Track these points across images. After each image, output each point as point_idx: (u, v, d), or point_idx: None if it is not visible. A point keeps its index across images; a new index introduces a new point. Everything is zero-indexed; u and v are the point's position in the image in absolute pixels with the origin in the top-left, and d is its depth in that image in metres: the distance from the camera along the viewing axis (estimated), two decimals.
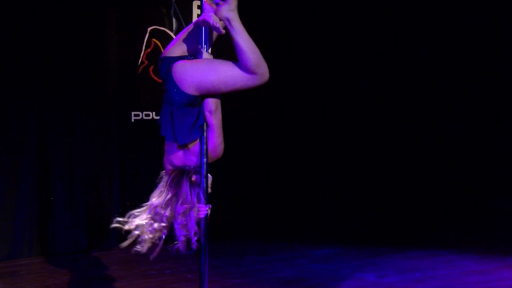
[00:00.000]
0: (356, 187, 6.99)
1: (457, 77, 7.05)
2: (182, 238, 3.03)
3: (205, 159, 3.01)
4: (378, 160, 7.07)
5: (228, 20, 2.85)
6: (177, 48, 3.07)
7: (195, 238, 3.02)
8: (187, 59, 3.01)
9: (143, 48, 6.01)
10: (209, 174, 3.11)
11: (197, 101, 2.97)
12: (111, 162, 5.77)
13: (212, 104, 2.98)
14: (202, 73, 2.90)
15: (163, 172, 3.22)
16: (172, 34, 6.09)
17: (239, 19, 2.86)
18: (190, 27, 3.11)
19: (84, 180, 5.59)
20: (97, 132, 5.69)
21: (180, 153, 3.11)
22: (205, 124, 3.00)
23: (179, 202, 3.06)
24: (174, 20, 6.15)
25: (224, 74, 2.88)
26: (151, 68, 6.03)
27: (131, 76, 5.96)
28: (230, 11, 2.85)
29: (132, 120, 5.97)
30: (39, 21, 5.33)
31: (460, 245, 5.75)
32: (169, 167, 3.18)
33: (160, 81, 5.97)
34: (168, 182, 3.14)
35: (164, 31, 6.09)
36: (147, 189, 6.27)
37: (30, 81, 5.31)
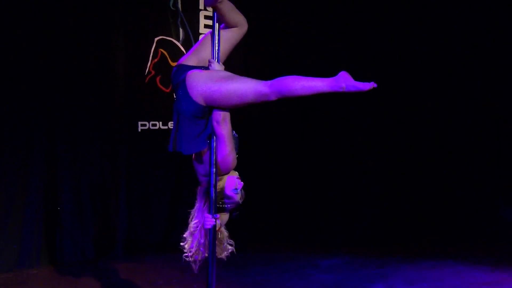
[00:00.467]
0: (363, 196, 6.97)
1: (469, 84, 6.98)
2: (191, 252, 3.04)
3: (214, 169, 3.00)
4: (386, 169, 7.04)
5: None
6: (193, 57, 3.09)
7: (197, 256, 3.03)
8: (203, 69, 3.04)
9: (150, 58, 6.03)
10: (236, 173, 3.11)
11: (205, 112, 2.98)
12: (118, 172, 5.77)
13: (220, 114, 2.99)
14: (215, 83, 2.91)
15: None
16: (179, 44, 6.12)
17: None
18: (206, 36, 3.13)
19: (91, 190, 5.59)
20: (104, 142, 5.70)
21: (198, 162, 3.14)
22: (213, 134, 3.01)
23: (194, 215, 3.08)
24: (181, 30, 6.17)
25: (235, 88, 2.88)
26: (158, 78, 6.04)
27: (138, 86, 5.97)
28: None
29: (139, 130, 5.98)
30: (46, 31, 5.35)
31: (470, 255, 5.71)
32: (199, 177, 3.20)
33: (168, 90, 6.02)
34: (197, 195, 3.18)
35: (171, 41, 6.11)
36: (154, 198, 6.32)
37: (38, 91, 5.32)
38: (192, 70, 3.01)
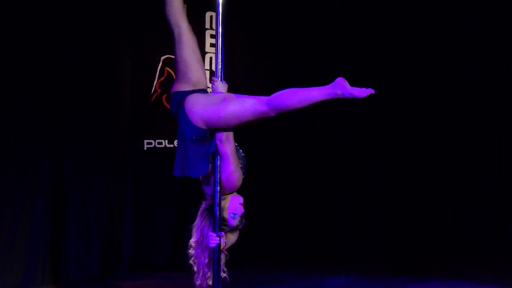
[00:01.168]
0: (370, 215, 6.91)
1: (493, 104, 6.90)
2: (197, 275, 3.01)
3: (218, 187, 2.99)
4: (394, 188, 6.98)
5: None
6: (185, 84, 3.08)
7: (200, 276, 3.00)
8: (201, 92, 3.03)
9: (156, 76, 6.06)
10: (240, 198, 3.10)
11: (207, 135, 2.98)
12: (123, 190, 5.77)
13: (223, 133, 2.99)
14: (213, 108, 2.91)
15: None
16: None
17: None
18: (179, 55, 3.09)
19: (97, 208, 5.58)
20: (110, 160, 5.70)
21: (205, 184, 3.13)
22: (216, 152, 3.01)
23: (195, 233, 3.06)
24: None
25: (233, 111, 2.88)
26: (164, 97, 6.07)
27: (144, 104, 5.99)
28: None
29: (145, 148, 5.99)
30: (53, 50, 5.39)
31: (477, 275, 5.63)
32: (207, 198, 3.18)
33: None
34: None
35: None
36: (160, 216, 6.29)
37: (46, 110, 5.34)
38: (191, 95, 3.01)
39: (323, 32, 6.84)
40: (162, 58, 6.08)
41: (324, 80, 6.89)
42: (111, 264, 5.64)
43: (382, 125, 7.00)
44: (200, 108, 2.93)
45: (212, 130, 2.97)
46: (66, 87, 5.47)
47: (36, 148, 5.29)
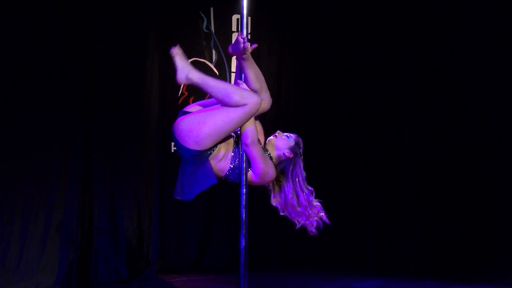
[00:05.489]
0: (399, 218, 6.82)
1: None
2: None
3: (244, 190, 2.99)
4: (423, 191, 6.87)
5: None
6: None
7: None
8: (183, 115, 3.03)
9: None
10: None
11: (203, 152, 2.98)
12: (151, 192, 5.81)
13: (247, 136, 2.97)
14: (197, 128, 2.90)
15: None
16: (212, 66, 6.17)
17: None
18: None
19: (125, 210, 5.63)
20: (138, 163, 5.75)
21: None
22: (242, 154, 3.00)
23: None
24: (214, 52, 6.24)
25: (219, 122, 2.88)
26: (191, 99, 6.10)
27: (172, 107, 6.03)
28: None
29: (172, 151, 6.03)
30: (83, 54, 5.46)
31: (508, 280, 5.53)
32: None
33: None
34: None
35: (204, 63, 6.17)
36: (187, 219, 6.30)
37: (75, 113, 5.41)
38: (176, 122, 2.99)
39: (353, 30, 6.79)
40: (189, 61, 6.10)
41: (352, 83, 6.88)
42: (139, 267, 5.68)
43: (417, 130, 6.90)
44: (186, 132, 2.95)
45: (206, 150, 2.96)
46: (96, 91, 5.53)
47: (66, 153, 5.36)
